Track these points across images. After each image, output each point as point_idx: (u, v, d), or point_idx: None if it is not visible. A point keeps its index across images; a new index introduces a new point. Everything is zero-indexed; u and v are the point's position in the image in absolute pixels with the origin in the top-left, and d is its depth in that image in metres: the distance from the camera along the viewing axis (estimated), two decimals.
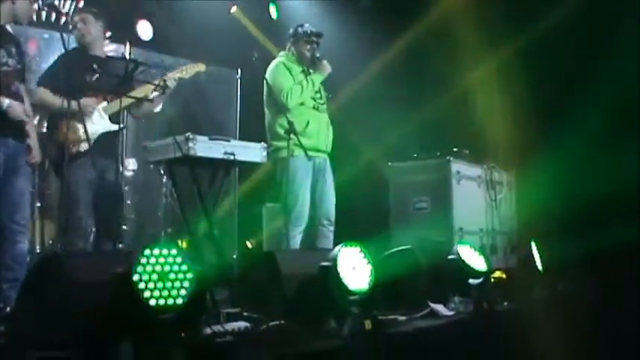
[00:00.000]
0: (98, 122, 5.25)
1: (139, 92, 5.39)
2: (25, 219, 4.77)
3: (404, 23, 8.60)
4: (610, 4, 7.49)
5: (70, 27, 5.51)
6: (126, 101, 5.29)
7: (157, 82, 5.43)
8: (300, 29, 6.18)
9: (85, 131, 5.05)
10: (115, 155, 5.36)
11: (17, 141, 4.74)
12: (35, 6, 4.92)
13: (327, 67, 6.13)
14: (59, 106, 4.94)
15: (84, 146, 5.13)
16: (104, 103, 5.31)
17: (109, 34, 7.00)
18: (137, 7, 8.28)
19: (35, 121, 5.26)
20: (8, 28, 4.92)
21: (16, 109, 4.66)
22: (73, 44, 5.28)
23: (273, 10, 10.02)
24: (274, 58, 6.33)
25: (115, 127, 5.31)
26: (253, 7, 9.55)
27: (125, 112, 5.50)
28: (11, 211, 4.68)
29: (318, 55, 6.13)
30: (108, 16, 5.74)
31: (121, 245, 5.70)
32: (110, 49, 7.50)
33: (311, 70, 6.14)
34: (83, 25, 5.45)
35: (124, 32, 7.58)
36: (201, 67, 5.76)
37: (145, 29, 8.46)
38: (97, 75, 5.34)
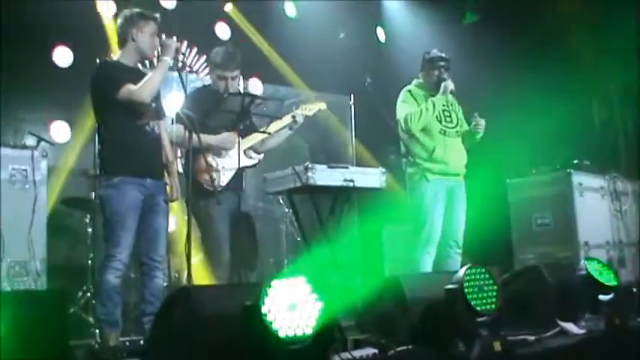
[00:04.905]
0: (235, 157, 5.36)
1: (270, 129, 5.52)
2: (160, 255, 4.91)
3: (513, 36, 8.49)
4: None
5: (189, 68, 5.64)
6: (258, 137, 5.46)
7: (288, 120, 5.56)
8: (426, 56, 6.10)
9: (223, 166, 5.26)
10: (242, 188, 5.50)
11: (154, 180, 4.91)
12: (156, 41, 4.90)
13: (447, 87, 5.92)
14: (196, 143, 5.07)
15: (224, 180, 5.27)
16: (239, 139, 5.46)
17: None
18: None
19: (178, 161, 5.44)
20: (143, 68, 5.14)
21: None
22: (192, 83, 5.38)
23: (380, 34, 10.12)
24: (387, 82, 6.30)
25: (253, 161, 5.51)
26: (361, 32, 9.68)
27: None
28: (147, 248, 4.86)
29: (444, 76, 5.98)
30: None
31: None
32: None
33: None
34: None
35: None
36: (322, 106, 5.85)
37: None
38: (222, 111, 5.41)
